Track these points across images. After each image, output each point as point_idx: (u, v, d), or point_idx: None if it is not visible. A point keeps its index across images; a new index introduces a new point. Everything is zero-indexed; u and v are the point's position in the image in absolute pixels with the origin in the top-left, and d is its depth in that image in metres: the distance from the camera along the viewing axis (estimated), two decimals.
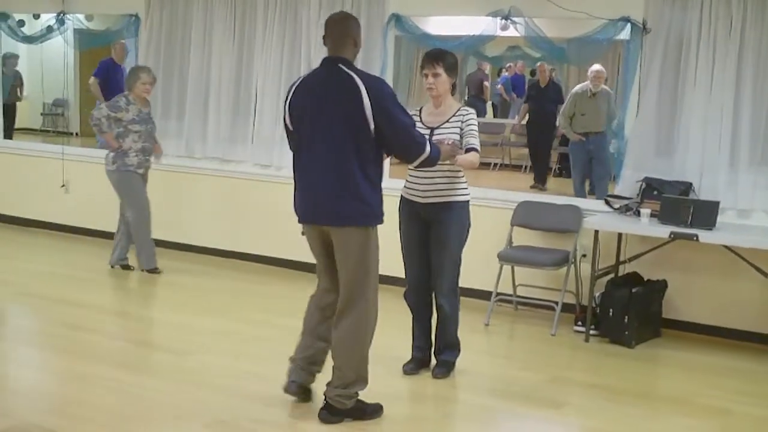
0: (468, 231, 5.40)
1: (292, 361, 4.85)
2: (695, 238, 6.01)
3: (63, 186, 9.34)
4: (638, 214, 6.44)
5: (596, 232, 6.40)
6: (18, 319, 6.81)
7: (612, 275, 6.63)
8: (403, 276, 5.54)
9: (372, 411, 4.74)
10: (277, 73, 8.12)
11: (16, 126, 13.30)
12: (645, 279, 6.60)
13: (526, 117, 12.28)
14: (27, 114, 14.41)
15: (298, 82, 4.69)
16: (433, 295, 5.48)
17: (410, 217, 5.41)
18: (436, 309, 5.48)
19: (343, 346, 4.64)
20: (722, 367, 5.99)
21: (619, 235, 6.60)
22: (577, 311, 6.70)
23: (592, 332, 6.42)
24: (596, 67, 9.48)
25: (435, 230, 5.34)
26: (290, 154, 8.33)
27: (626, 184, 6.83)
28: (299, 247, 8.09)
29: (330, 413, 4.64)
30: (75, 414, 4.66)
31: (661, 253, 6.54)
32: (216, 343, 6.14)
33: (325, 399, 4.67)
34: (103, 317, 6.58)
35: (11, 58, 12.12)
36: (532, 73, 14.29)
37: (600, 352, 6.23)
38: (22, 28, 9.70)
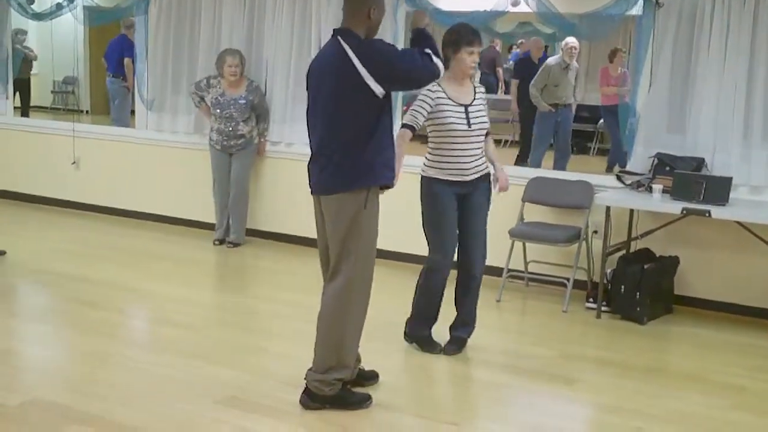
0: None
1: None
2: (708, 214, 5.98)
3: (74, 163, 9.35)
4: (650, 190, 6.41)
5: (608, 208, 6.38)
6: (30, 295, 6.83)
7: (624, 251, 6.61)
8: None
9: (357, 401, 4.57)
10: (288, 48, 8.09)
11: None
12: (657, 255, 6.58)
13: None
14: (37, 92, 14.42)
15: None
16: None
17: (451, 199, 5.31)
18: (470, 280, 5.45)
19: (321, 323, 4.51)
20: (735, 344, 5.98)
21: (631, 211, 6.57)
22: (588, 288, 6.69)
23: (603, 309, 6.41)
24: (571, 40, 9.61)
25: (474, 200, 5.34)
26: (300, 130, 8.38)
27: (638, 160, 6.80)
28: (307, 224, 8.16)
29: (309, 398, 4.53)
30: (87, 390, 4.69)
31: (673, 230, 6.52)
32: (228, 319, 6.17)
33: (306, 382, 4.58)
34: (115, 294, 6.60)
35: (19, 34, 12.13)
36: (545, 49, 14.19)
37: (611, 328, 6.22)
38: (32, 5, 9.67)
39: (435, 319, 5.52)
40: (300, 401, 4.55)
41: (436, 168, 5.30)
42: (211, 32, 8.43)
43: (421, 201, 5.38)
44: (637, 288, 6.25)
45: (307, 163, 4.58)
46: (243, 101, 7.95)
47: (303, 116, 8.13)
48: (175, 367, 5.10)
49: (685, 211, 6.08)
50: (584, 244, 6.68)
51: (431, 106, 5.21)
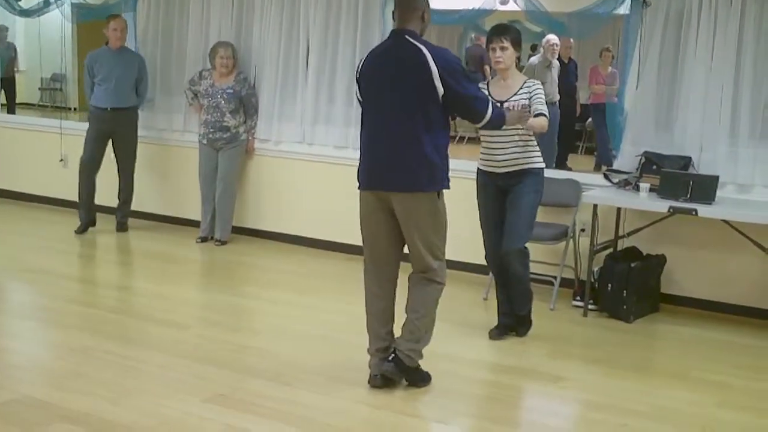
0: (541, 198, 5.69)
1: (371, 355, 4.84)
2: (694, 213, 6.00)
3: (61, 160, 9.32)
4: (637, 188, 6.42)
5: (595, 206, 6.39)
6: (17, 293, 6.81)
7: (611, 250, 6.62)
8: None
9: (424, 378, 4.85)
10: (276, 46, 8.08)
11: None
12: (644, 254, 6.60)
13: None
14: (25, 89, 14.35)
15: (368, 54, 4.80)
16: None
17: (486, 187, 5.65)
18: (507, 269, 5.63)
19: (424, 307, 4.74)
20: (720, 342, 6.00)
21: (618, 209, 6.59)
22: (575, 286, 6.70)
23: (590, 307, 6.42)
24: (552, 37, 9.63)
25: (511, 195, 5.59)
26: (289, 128, 8.35)
27: (625, 159, 6.81)
28: (293, 222, 8.17)
29: (397, 368, 4.71)
30: (74, 387, 4.67)
31: (660, 228, 6.54)
32: (215, 317, 6.16)
33: (394, 352, 4.72)
34: (102, 291, 6.59)
35: (2, 31, 12.07)
36: (532, 48, 14.21)
37: (598, 326, 6.23)
38: (19, 2, 9.63)
39: (501, 305, 5.85)
40: (385, 369, 4.71)
41: (480, 159, 5.66)
42: (199, 30, 8.42)
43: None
44: (624, 286, 6.26)
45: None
46: (230, 91, 7.97)
47: (292, 114, 8.27)
48: (163, 365, 5.09)
49: (671, 210, 6.10)
50: (571, 242, 6.69)
51: None
